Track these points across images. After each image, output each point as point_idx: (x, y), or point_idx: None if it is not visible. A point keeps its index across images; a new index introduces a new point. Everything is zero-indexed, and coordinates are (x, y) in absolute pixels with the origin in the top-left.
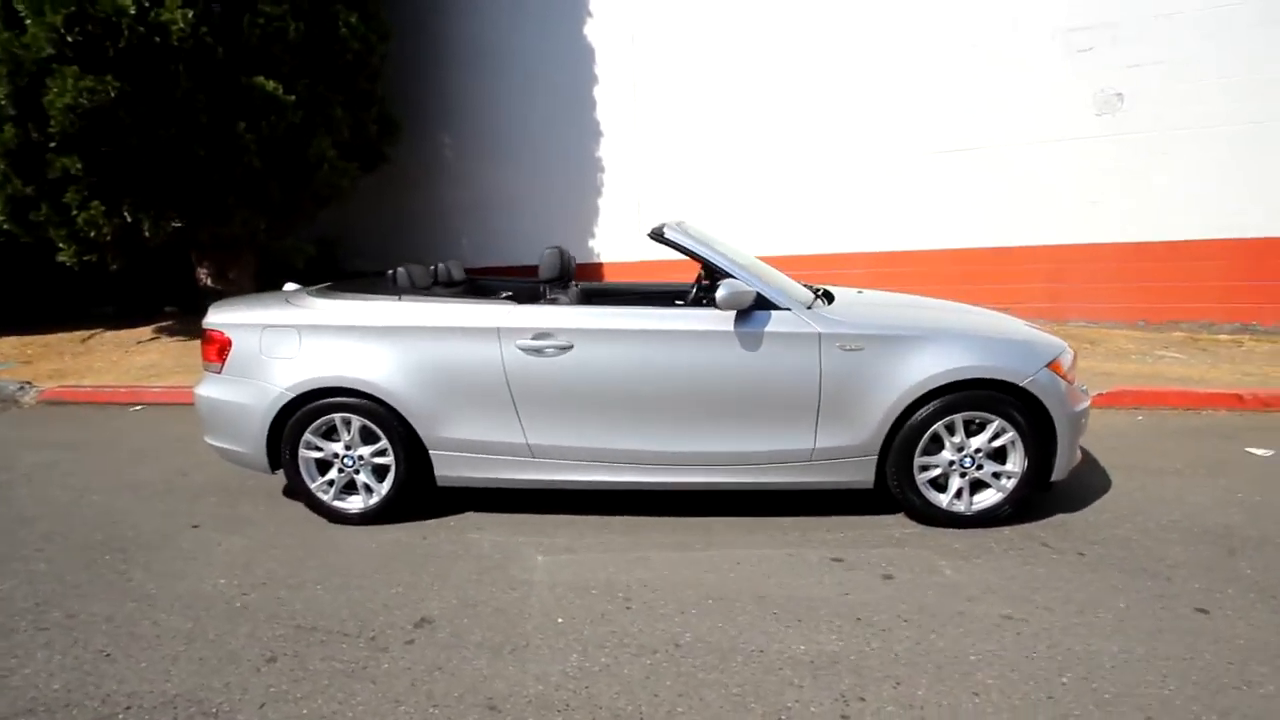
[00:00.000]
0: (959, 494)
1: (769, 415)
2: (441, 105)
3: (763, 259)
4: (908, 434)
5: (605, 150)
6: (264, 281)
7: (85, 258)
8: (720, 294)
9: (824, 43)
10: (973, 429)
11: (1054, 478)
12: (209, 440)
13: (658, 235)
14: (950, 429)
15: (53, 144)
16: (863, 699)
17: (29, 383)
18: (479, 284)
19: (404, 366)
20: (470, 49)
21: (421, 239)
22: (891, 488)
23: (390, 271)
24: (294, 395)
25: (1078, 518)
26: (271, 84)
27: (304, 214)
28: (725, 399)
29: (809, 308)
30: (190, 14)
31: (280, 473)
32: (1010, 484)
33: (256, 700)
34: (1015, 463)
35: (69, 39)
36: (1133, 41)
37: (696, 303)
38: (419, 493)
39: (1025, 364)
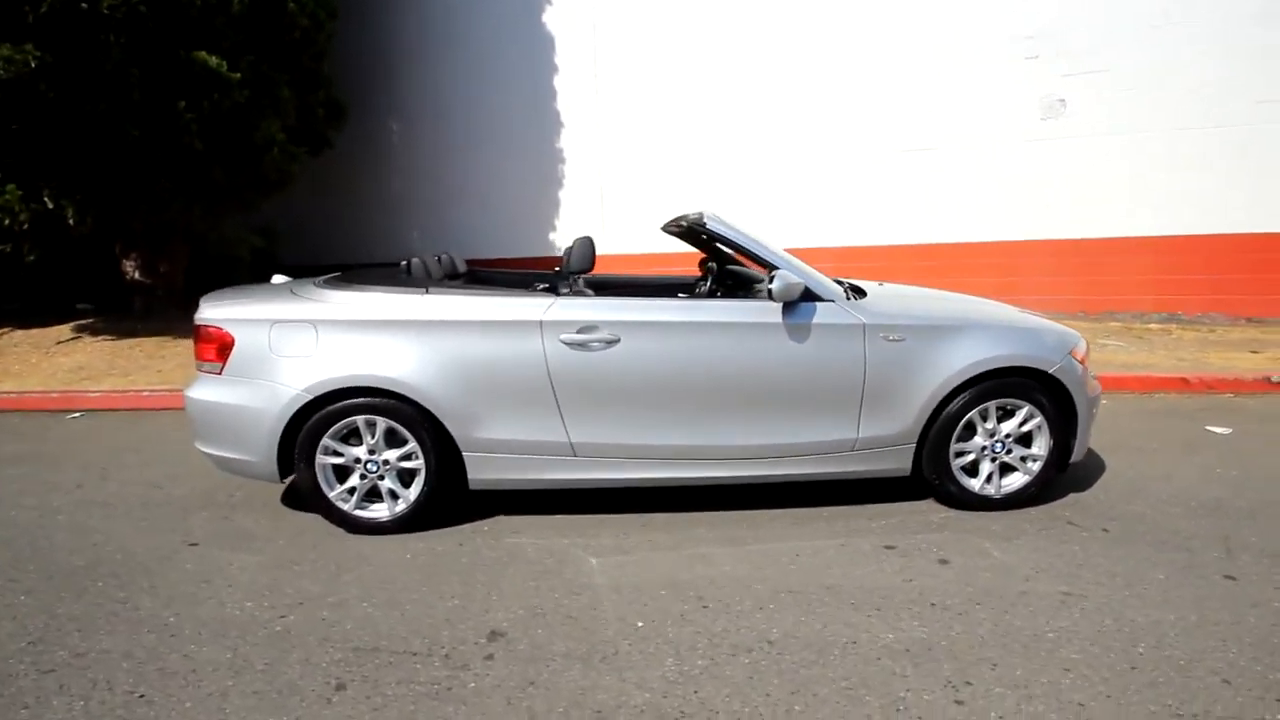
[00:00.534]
0: (989, 478)
1: (815, 406)
2: (389, 91)
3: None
4: (945, 422)
5: (567, 141)
6: (198, 276)
7: None
8: (776, 286)
9: (789, 39)
10: (1001, 415)
11: (1072, 459)
12: (204, 448)
13: (699, 225)
14: (984, 415)
15: None
16: (969, 683)
17: None
18: (481, 275)
19: (436, 363)
20: (421, 33)
21: (367, 230)
22: (928, 474)
23: (404, 262)
24: (312, 397)
25: (1088, 496)
26: (215, 60)
27: (245, 202)
28: (773, 391)
29: (847, 299)
30: None
31: (282, 482)
32: (1036, 467)
33: None
34: (1041, 446)
35: None
36: (1074, 52)
37: (711, 294)
38: (448, 498)
39: (1052, 352)
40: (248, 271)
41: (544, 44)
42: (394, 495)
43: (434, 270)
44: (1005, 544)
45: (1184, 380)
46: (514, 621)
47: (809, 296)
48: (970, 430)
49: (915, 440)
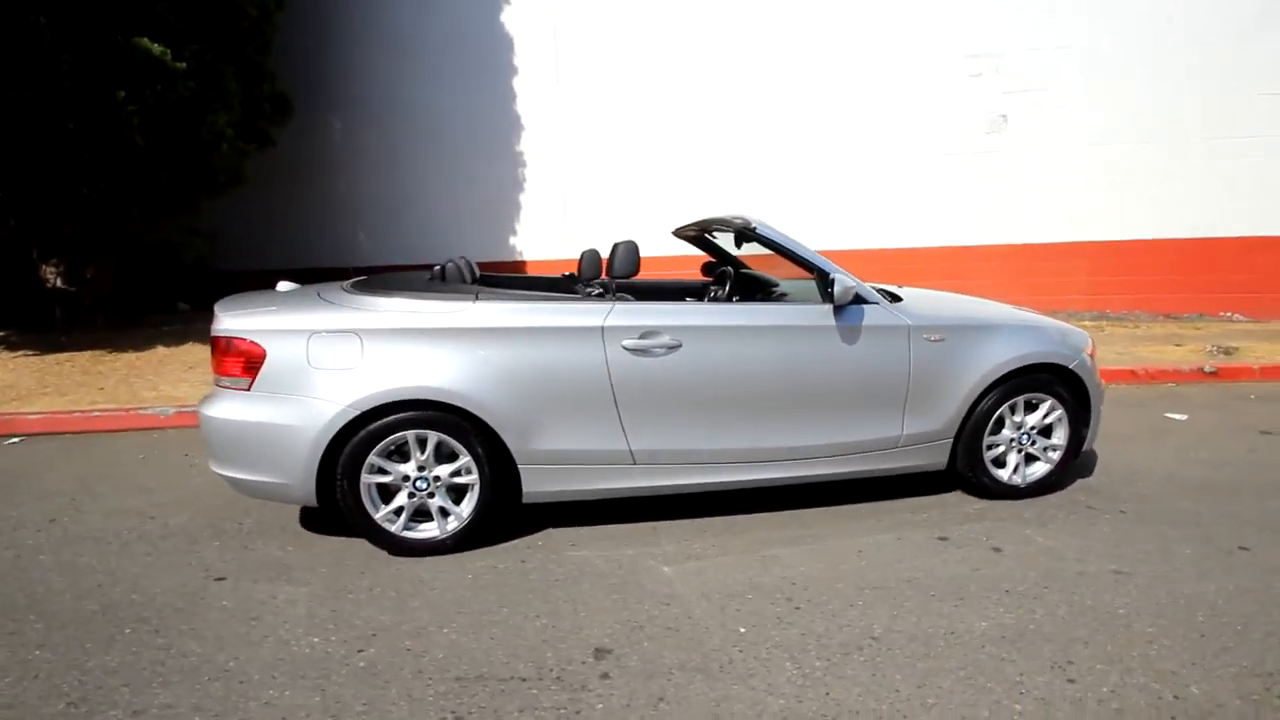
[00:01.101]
0: (1015, 469)
1: (864, 406)
2: (336, 87)
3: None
4: (979, 417)
5: (527, 143)
6: (129, 283)
7: None
8: (837, 290)
9: (754, 47)
10: (1026, 409)
11: (1084, 448)
12: (224, 472)
13: (748, 230)
14: (1013, 410)
15: None
16: (1071, 662)
17: None
18: (495, 280)
19: (491, 373)
20: (372, 30)
21: (310, 233)
22: (961, 468)
23: (438, 267)
24: (358, 413)
25: (1093, 482)
26: (158, 47)
27: (187, 203)
28: (826, 392)
29: (891, 302)
30: None
31: (317, 506)
32: (1056, 456)
33: None
34: (1060, 437)
35: None
36: (1013, 71)
37: (729, 298)
38: (501, 514)
39: (1071, 349)
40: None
41: (502, 44)
42: (444, 513)
43: (467, 275)
44: (1043, 529)
45: (1132, 372)
46: (614, 637)
47: (857, 299)
48: (1000, 424)
49: (953, 435)
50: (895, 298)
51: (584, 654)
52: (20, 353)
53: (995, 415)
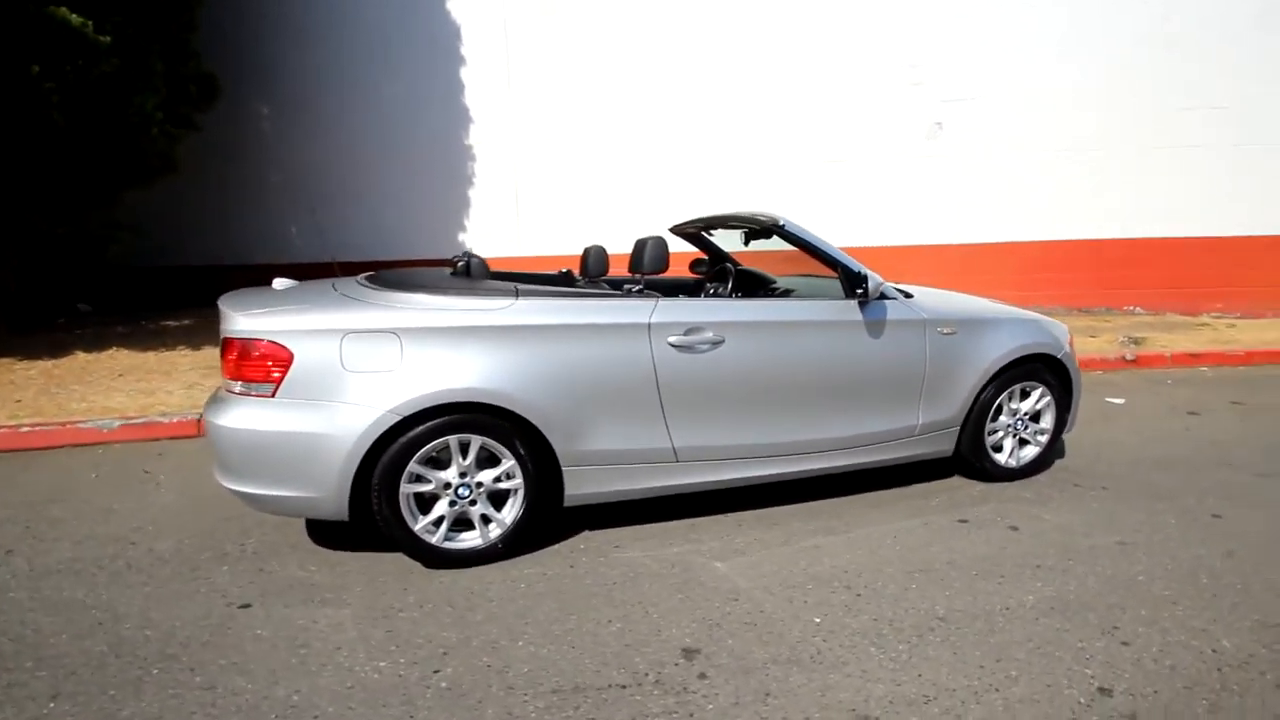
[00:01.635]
0: (1010, 452)
1: (886, 397)
2: (267, 71)
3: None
4: (983, 405)
5: (477, 137)
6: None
7: None
8: (871, 285)
9: (707, 50)
10: (1020, 396)
11: (1066, 431)
12: (238, 487)
13: (776, 227)
14: (1010, 397)
15: None
16: (1117, 627)
17: None
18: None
19: (536, 373)
20: (307, 14)
21: (236, 228)
22: (965, 453)
23: (462, 261)
24: (399, 418)
25: (1069, 462)
26: (77, 18)
27: (109, 193)
28: (855, 385)
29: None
30: None
31: (349, 520)
32: (1044, 439)
33: None
34: (1048, 421)
35: None
36: (948, 80)
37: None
38: (543, 519)
39: (1058, 340)
40: (91, 276)
41: (449, 32)
42: (485, 521)
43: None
44: (1047, 507)
45: None
46: (695, 636)
47: (879, 296)
48: (999, 411)
49: (960, 423)
50: (907, 294)
51: (672, 656)
52: None
53: (995, 403)
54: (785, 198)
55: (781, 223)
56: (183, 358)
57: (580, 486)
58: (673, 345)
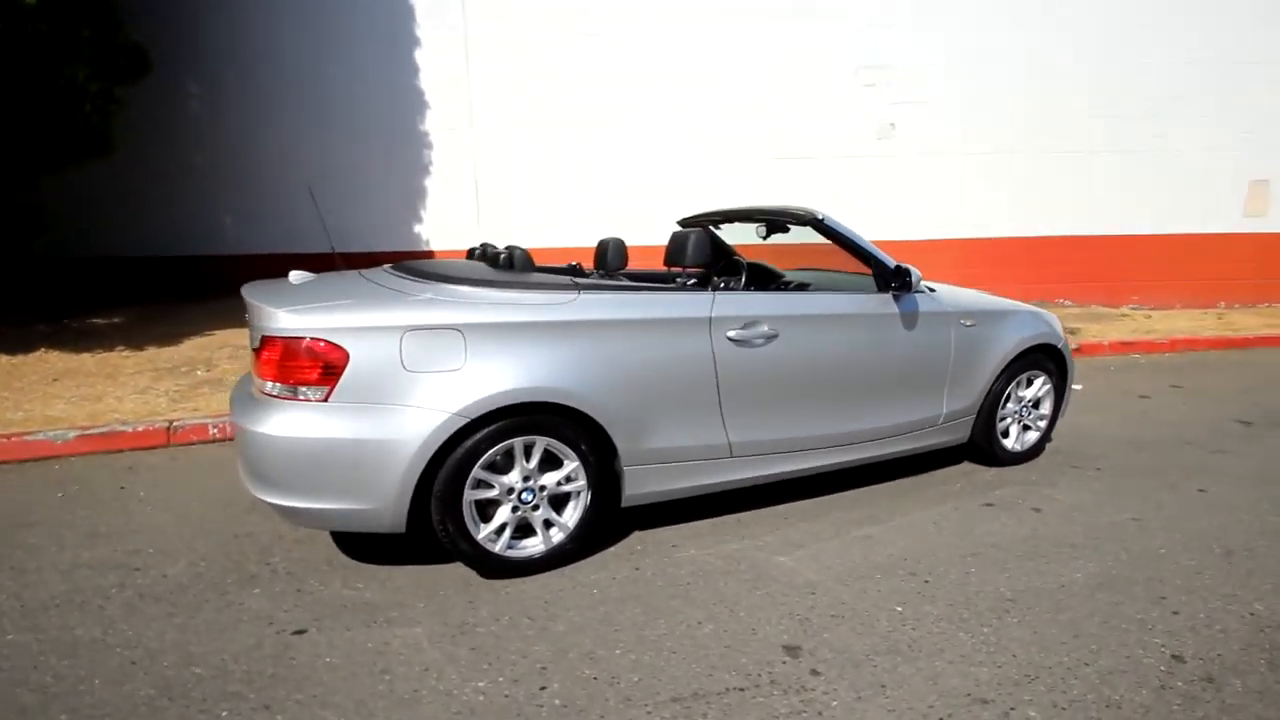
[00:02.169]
0: (1016, 438)
1: (918, 387)
2: (198, 43)
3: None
4: (995, 393)
5: (434, 124)
6: None
7: None
8: (914, 278)
9: (671, 40)
10: (1025, 384)
11: (1060, 415)
12: (284, 501)
13: (816, 221)
14: (1018, 385)
15: None
16: (1164, 598)
17: None
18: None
19: (601, 371)
20: None
21: (159, 216)
22: (978, 439)
23: (505, 252)
24: (467, 420)
25: (1059, 446)
26: None
27: (25, 177)
28: (892, 376)
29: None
30: None
31: (404, 532)
32: (1044, 424)
33: None
34: (1047, 407)
35: None
36: (899, 83)
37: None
38: (604, 522)
39: (1057, 331)
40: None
41: (400, 9)
42: (547, 525)
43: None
44: (1057, 489)
45: None
46: (790, 633)
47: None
48: (1007, 399)
49: (976, 411)
50: (930, 288)
51: (776, 654)
52: None
53: (1005, 392)
54: (742, 193)
55: (820, 217)
56: (125, 359)
57: (639, 486)
58: (731, 339)
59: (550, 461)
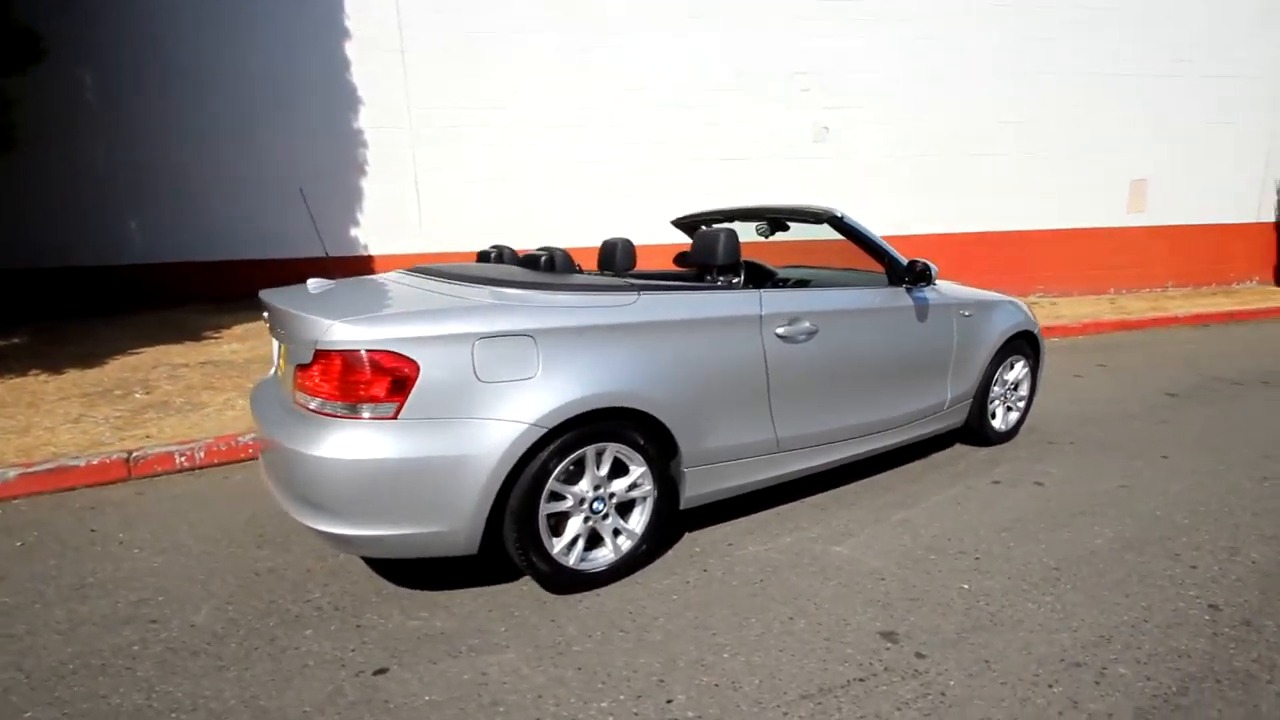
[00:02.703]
0: (1001, 419)
1: (928, 375)
2: (96, 31)
3: (570, 247)
4: (987, 378)
5: (368, 121)
6: None
7: None
8: (932, 273)
9: (618, 41)
10: (1009, 368)
11: (1035, 397)
12: (343, 530)
13: (835, 219)
14: (1003, 370)
15: None
16: (1179, 555)
17: None
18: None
19: (664, 373)
20: None
21: (52, 222)
22: (972, 422)
23: (542, 253)
24: (544, 431)
25: (1030, 424)
26: None
27: None
28: (908, 365)
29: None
30: None
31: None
32: (1023, 404)
33: None
34: (1026, 389)
35: None
36: (832, 89)
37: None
38: (668, 526)
39: (1032, 319)
40: None
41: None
42: (616, 533)
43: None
44: (1047, 464)
45: None
46: (880, 619)
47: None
48: (994, 383)
49: (973, 396)
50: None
51: (877, 641)
52: None
53: (994, 376)
54: (686, 196)
55: (839, 214)
56: (44, 385)
57: (698, 487)
58: (779, 336)
59: (615, 467)
